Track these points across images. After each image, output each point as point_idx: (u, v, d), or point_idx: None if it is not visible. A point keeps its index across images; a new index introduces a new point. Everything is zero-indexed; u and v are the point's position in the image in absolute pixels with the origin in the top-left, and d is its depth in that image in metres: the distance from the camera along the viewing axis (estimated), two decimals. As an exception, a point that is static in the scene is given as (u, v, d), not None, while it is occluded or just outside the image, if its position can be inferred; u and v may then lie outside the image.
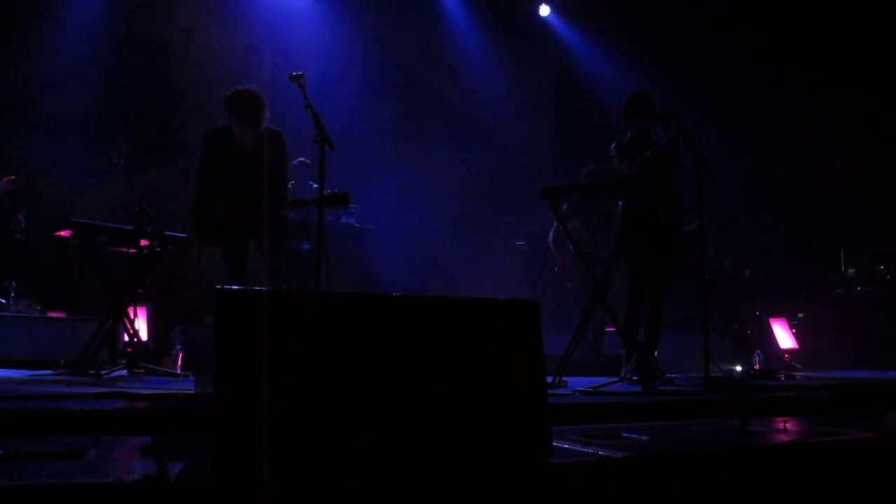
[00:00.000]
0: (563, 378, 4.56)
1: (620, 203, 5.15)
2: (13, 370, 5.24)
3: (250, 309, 1.77)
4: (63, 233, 5.39)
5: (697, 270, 4.80)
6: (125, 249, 5.29)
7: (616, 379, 4.66)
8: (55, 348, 5.83)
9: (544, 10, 10.60)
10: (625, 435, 2.53)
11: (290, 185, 5.48)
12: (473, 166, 10.86)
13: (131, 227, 5.22)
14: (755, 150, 9.22)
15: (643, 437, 2.47)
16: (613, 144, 5.22)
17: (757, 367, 6.37)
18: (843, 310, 8.30)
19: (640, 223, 4.98)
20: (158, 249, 5.34)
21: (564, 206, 5.09)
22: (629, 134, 5.28)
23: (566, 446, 2.17)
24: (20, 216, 7.15)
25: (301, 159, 6.64)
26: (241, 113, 4.77)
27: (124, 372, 4.87)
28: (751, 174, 9.06)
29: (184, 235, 5.96)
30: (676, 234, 5.18)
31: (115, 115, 8.56)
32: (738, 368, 6.51)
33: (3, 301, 6.87)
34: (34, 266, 7.86)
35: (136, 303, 5.34)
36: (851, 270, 8.75)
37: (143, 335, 6.09)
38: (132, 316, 5.22)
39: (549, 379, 4.39)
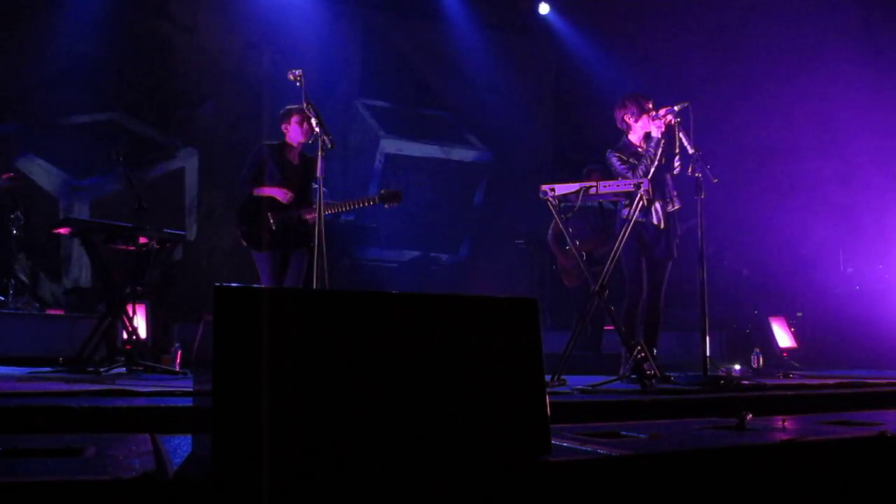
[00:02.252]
0: (562, 376, 4.56)
1: (621, 203, 5.15)
2: (12, 367, 5.24)
3: (249, 307, 1.77)
4: (61, 230, 5.39)
5: (696, 269, 4.80)
6: (124, 247, 5.29)
7: (615, 377, 4.66)
8: (54, 346, 5.83)
9: (544, 9, 10.59)
10: (623, 433, 2.53)
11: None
12: (472, 163, 10.86)
13: (130, 225, 5.22)
14: (754, 147, 9.21)
15: (641, 436, 2.47)
16: (609, 152, 5.20)
17: (756, 365, 6.36)
18: (842, 308, 8.30)
19: (639, 226, 4.98)
20: (157, 247, 5.33)
21: (563, 204, 5.11)
22: (624, 138, 5.26)
23: (565, 445, 2.17)
24: (19, 213, 7.14)
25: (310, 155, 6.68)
26: (304, 120, 5.30)
27: (123, 369, 4.87)
28: (749, 172, 9.06)
29: (183, 233, 5.98)
30: (675, 237, 5.17)
31: (114, 111, 8.56)
32: (737, 367, 6.51)
33: (2, 298, 6.87)
34: (33, 263, 7.86)
35: (134, 300, 5.34)
36: (850, 269, 8.76)
37: (142, 333, 6.08)
38: (131, 313, 5.22)
39: (548, 377, 4.39)
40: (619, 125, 5.30)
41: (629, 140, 5.24)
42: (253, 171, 5.43)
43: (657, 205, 5.05)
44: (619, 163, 5.12)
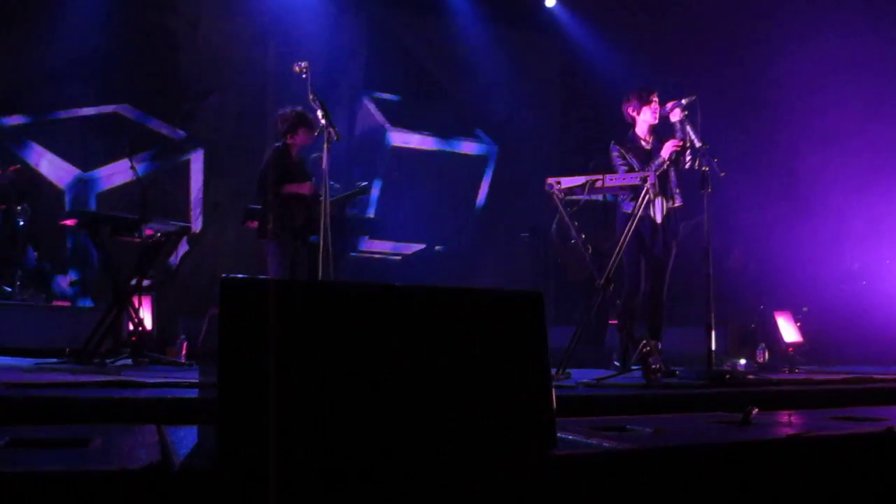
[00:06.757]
0: (567, 370, 4.56)
1: (621, 197, 5.14)
2: (18, 358, 5.25)
3: (255, 298, 1.77)
4: (68, 222, 5.42)
5: (701, 263, 4.78)
6: (130, 239, 5.30)
7: (619, 371, 4.67)
8: (60, 337, 5.84)
9: (550, 1, 10.54)
10: (629, 427, 2.53)
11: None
12: (477, 156, 10.84)
13: (136, 217, 5.23)
14: (761, 140, 9.18)
15: (647, 430, 2.46)
16: (612, 144, 5.19)
17: (761, 360, 6.35)
18: (849, 304, 8.26)
19: (638, 221, 4.97)
20: (163, 239, 5.35)
21: (568, 198, 5.11)
22: (629, 131, 5.25)
23: (570, 438, 2.17)
24: (26, 205, 7.16)
25: (316, 154, 6.70)
26: (310, 125, 5.56)
27: (129, 361, 4.89)
28: (756, 166, 9.03)
29: (188, 225, 5.99)
30: (674, 232, 5.14)
31: (120, 103, 8.57)
32: (742, 362, 6.50)
33: (9, 290, 6.89)
34: (39, 255, 7.88)
35: (140, 292, 5.34)
36: (857, 264, 8.72)
37: (148, 324, 6.10)
38: (137, 305, 5.23)
39: (553, 371, 4.39)
40: (626, 119, 5.30)
41: (634, 133, 5.23)
42: (276, 174, 5.61)
43: (658, 200, 5.03)
44: (618, 158, 5.14)
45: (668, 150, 4.95)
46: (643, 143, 5.18)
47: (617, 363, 4.92)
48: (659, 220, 5.05)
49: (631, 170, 5.00)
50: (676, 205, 5.14)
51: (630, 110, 5.24)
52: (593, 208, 6.90)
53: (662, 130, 5.17)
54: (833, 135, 8.84)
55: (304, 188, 5.57)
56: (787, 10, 8.83)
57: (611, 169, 5.19)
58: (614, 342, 6.72)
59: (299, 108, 5.63)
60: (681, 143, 4.91)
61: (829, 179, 8.95)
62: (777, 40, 8.95)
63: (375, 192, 9.71)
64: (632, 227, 4.80)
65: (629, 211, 5.07)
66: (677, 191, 5.15)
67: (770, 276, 8.67)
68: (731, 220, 8.40)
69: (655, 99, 5.15)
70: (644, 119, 5.18)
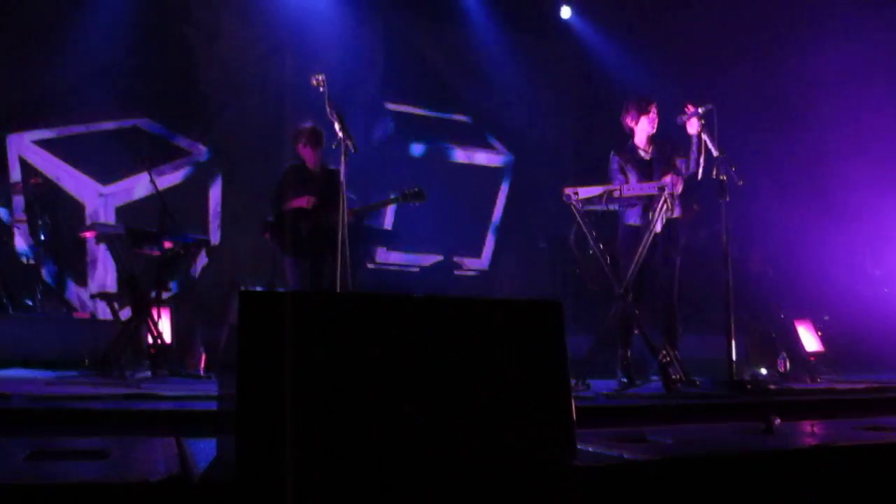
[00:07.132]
0: (587, 381, 4.53)
1: (620, 207, 5.11)
2: (40, 371, 5.30)
3: (274, 310, 1.77)
4: (88, 234, 5.45)
5: (721, 272, 4.75)
6: (149, 251, 5.33)
7: (639, 382, 4.64)
8: (81, 349, 5.88)
9: (565, 13, 10.54)
10: (650, 438, 2.51)
11: None
12: (494, 167, 10.84)
13: (155, 230, 5.26)
14: (781, 149, 9.11)
15: (668, 440, 2.44)
16: (612, 154, 5.17)
17: (782, 369, 6.28)
18: (871, 311, 8.16)
19: (639, 231, 4.95)
20: (182, 251, 5.38)
21: (586, 207, 5.11)
22: (629, 142, 5.23)
23: (591, 449, 2.16)
24: (46, 218, 7.23)
25: (333, 167, 6.73)
26: (314, 137, 5.62)
27: (148, 373, 4.91)
28: (776, 173, 8.96)
29: (206, 237, 6.04)
30: (675, 242, 5.09)
31: (139, 116, 8.65)
32: (763, 371, 6.43)
33: (30, 302, 6.95)
34: (60, 267, 7.95)
35: (159, 304, 5.37)
36: (878, 271, 8.62)
37: (167, 336, 6.13)
38: (156, 317, 5.26)
39: (572, 381, 4.36)
40: (624, 129, 5.29)
41: (633, 144, 5.22)
42: (280, 191, 5.68)
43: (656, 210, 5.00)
44: (616, 168, 5.13)
45: (671, 184, 4.86)
46: (642, 153, 5.16)
47: (624, 379, 4.81)
48: (658, 229, 4.99)
49: (626, 182, 5.01)
50: (675, 216, 5.08)
51: (628, 120, 5.22)
52: (610, 218, 6.88)
53: (675, 137, 5.13)
54: (856, 140, 8.75)
55: (301, 202, 5.56)
56: (816, 9, 8.76)
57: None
58: (634, 352, 6.68)
59: (308, 124, 5.67)
60: (684, 182, 4.88)
61: (851, 185, 8.85)
62: (805, 40, 8.86)
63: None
64: (649, 238, 4.78)
65: (630, 222, 5.07)
66: (677, 202, 5.11)
67: (790, 284, 8.58)
68: (751, 226, 8.34)
69: (653, 109, 5.15)
70: (642, 129, 5.16)
